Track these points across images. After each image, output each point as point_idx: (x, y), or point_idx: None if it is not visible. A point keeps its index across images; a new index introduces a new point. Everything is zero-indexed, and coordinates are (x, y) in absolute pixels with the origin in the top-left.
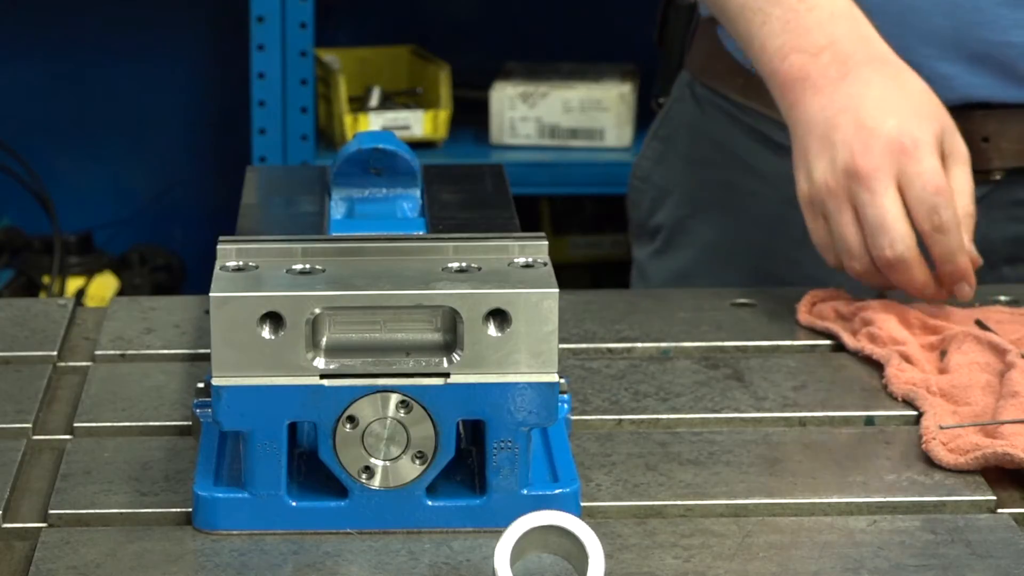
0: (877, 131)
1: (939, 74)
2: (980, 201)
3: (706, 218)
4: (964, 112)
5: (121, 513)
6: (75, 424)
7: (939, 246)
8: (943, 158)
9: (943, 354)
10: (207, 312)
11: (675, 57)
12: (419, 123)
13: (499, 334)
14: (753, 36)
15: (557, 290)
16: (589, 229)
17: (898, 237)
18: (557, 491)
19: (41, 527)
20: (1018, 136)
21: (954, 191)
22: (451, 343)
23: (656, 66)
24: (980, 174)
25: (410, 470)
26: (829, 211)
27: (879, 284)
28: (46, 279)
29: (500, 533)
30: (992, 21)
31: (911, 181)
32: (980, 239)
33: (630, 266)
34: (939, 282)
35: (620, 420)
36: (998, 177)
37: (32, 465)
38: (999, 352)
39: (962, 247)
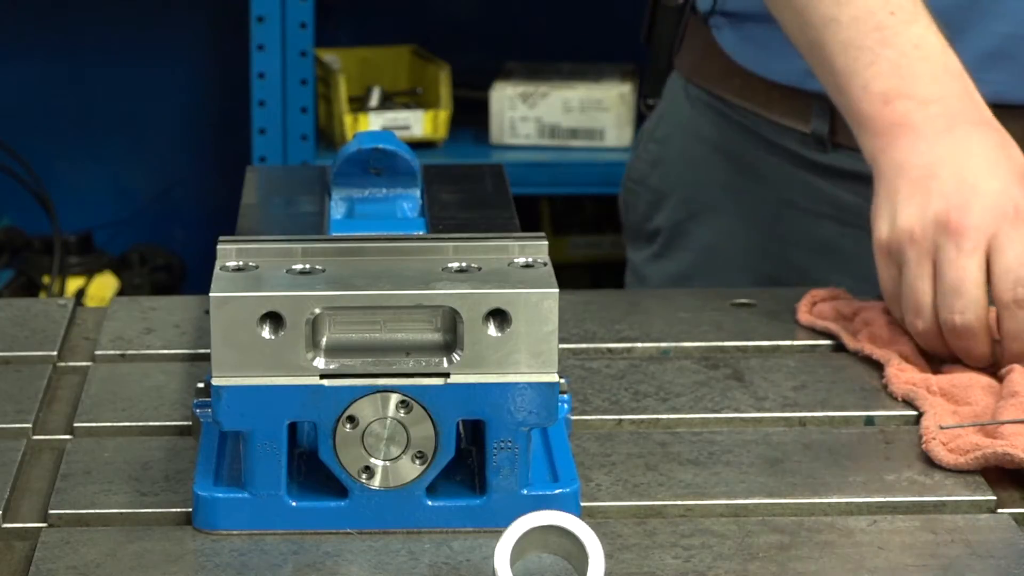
0: (979, 189)
1: None
2: None
3: (704, 220)
4: None
5: (121, 513)
6: (75, 424)
7: (1015, 322)
8: None
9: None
10: (207, 312)
11: (664, 58)
12: (419, 123)
13: (499, 334)
14: (856, 75)
15: (557, 290)
16: (589, 229)
17: (971, 303)
18: (557, 491)
19: (41, 527)
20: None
21: None
22: (451, 343)
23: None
24: None
25: (410, 470)
26: (907, 260)
27: (934, 347)
28: (46, 279)
29: (500, 533)
30: (1009, 13)
31: (1004, 248)
32: None
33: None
34: (998, 358)
35: (620, 420)
36: None
37: (32, 465)
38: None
39: None
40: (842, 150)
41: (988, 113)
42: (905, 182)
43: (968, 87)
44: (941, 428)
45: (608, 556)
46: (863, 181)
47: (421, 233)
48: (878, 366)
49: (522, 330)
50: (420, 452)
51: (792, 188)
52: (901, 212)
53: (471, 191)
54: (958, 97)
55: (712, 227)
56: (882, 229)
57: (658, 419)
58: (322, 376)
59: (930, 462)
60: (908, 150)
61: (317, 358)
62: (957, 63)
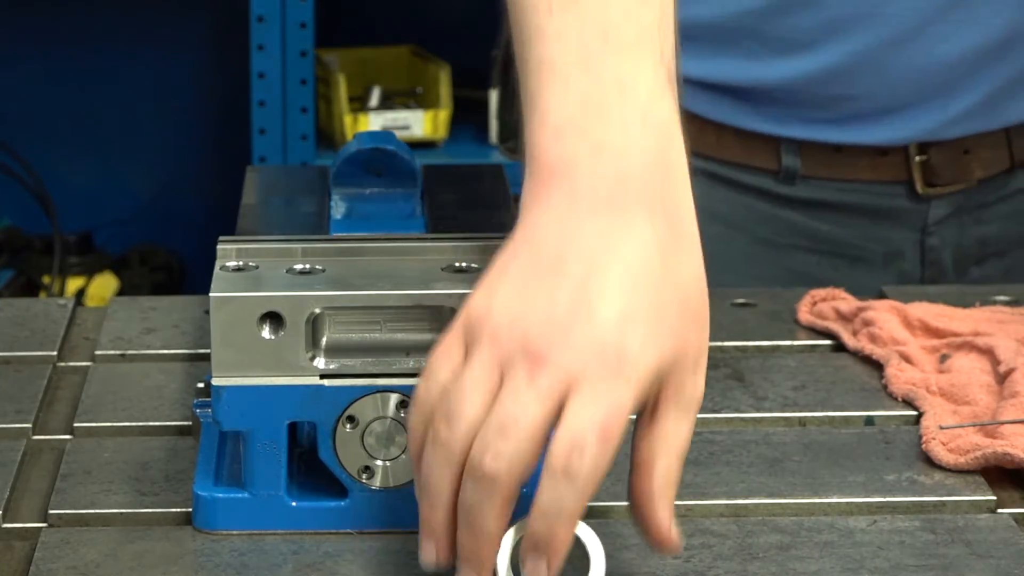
0: (595, 315)
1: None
2: (954, 211)
3: None
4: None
5: (121, 513)
6: (75, 424)
7: (552, 494)
8: (660, 400)
9: (943, 358)
10: (207, 312)
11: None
12: (419, 123)
13: None
14: (540, 98)
15: None
16: None
17: (513, 454)
18: None
19: (41, 527)
20: (992, 144)
21: (659, 449)
22: None
23: None
24: (959, 184)
25: (410, 470)
26: (477, 355)
27: (431, 485)
28: (46, 279)
29: None
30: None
31: (581, 404)
32: (953, 244)
33: None
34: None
35: None
36: (975, 184)
37: (32, 465)
38: (998, 362)
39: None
40: (810, 180)
41: (678, 193)
42: (528, 259)
43: (667, 149)
44: (941, 428)
45: (608, 556)
46: (835, 209)
47: (421, 233)
48: (878, 366)
49: None
50: None
51: (767, 225)
52: (504, 296)
53: (471, 191)
54: (645, 154)
55: None
56: (478, 301)
57: None
58: (322, 376)
59: (930, 462)
60: (551, 216)
61: (317, 358)
62: (671, 116)
